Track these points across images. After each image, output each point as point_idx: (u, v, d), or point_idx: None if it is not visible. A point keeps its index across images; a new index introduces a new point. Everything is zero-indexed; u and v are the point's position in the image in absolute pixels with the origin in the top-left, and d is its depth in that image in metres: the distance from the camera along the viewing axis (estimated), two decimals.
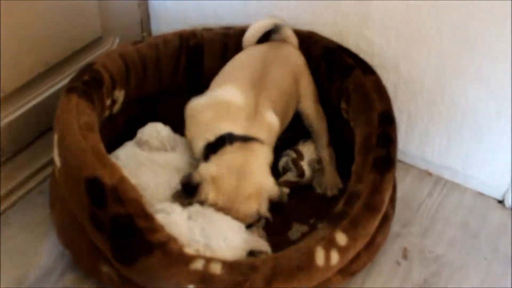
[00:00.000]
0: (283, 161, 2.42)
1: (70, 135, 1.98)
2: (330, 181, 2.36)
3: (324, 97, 2.49)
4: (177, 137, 2.29)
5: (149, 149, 2.20)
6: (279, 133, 2.22)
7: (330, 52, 2.45)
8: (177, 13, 2.85)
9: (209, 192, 1.96)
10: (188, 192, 1.97)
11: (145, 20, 2.90)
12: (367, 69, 2.36)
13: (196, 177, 1.96)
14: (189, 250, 1.91)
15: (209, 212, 1.98)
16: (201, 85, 2.54)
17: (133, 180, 1.89)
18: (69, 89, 2.15)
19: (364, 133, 2.17)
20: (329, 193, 2.35)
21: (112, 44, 2.71)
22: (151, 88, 2.49)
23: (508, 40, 2.20)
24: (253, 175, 1.99)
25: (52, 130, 2.08)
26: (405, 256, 2.27)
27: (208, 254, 1.90)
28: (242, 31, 2.53)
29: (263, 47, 2.41)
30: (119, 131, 2.45)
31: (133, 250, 1.85)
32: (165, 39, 2.47)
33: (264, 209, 1.99)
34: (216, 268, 1.86)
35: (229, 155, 2.00)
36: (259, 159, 2.04)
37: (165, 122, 2.47)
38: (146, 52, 2.42)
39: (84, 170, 1.88)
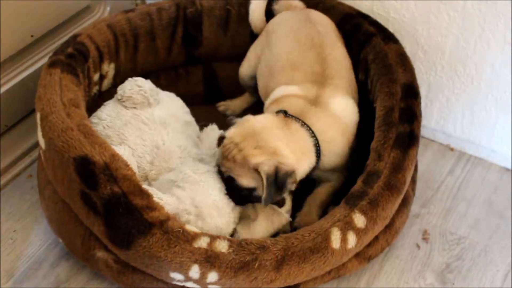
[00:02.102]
0: None
1: (53, 113, 2.00)
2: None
3: None
4: (159, 90, 2.29)
5: (133, 106, 2.19)
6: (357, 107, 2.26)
7: (348, 18, 2.46)
8: None
9: (232, 128, 2.05)
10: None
11: None
12: (388, 37, 2.36)
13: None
14: (190, 227, 1.93)
15: (194, 177, 2.02)
16: (198, 59, 2.58)
17: (120, 142, 1.98)
18: (52, 63, 2.16)
19: (385, 107, 2.19)
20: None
21: (102, 14, 2.72)
22: (145, 63, 2.50)
23: None
24: (284, 140, 2.03)
25: (34, 111, 2.10)
26: (425, 238, 2.29)
27: (199, 224, 1.96)
28: None
29: (294, 25, 2.41)
30: None
31: (130, 230, 1.86)
32: (160, 8, 2.48)
33: (264, 169, 1.98)
34: (223, 247, 1.87)
35: (277, 119, 2.08)
36: (301, 138, 2.07)
37: None
38: (137, 22, 2.44)
39: (72, 149, 1.90)
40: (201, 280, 1.91)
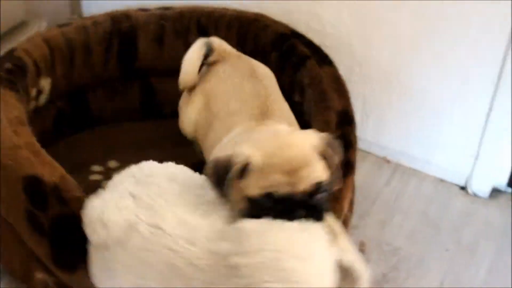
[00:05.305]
0: None
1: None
2: None
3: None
4: None
5: None
6: None
7: (282, 39, 2.57)
8: None
9: (247, 153, 1.69)
10: (220, 175, 1.72)
11: (76, 2, 2.99)
12: (323, 59, 2.47)
13: (223, 155, 1.76)
14: None
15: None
16: (135, 74, 2.66)
17: None
18: None
19: None
20: None
21: (38, 29, 2.76)
22: (80, 77, 2.57)
23: (467, 18, 2.42)
24: (291, 135, 1.81)
25: None
26: (362, 249, 2.45)
27: None
28: (181, 11, 2.65)
29: (237, 81, 2.29)
30: (49, 126, 2.55)
31: (77, 254, 1.87)
32: (95, 21, 2.56)
33: (321, 143, 1.74)
34: None
35: (255, 133, 1.92)
36: (285, 125, 1.98)
37: (98, 116, 2.59)
38: (73, 36, 2.51)
39: (21, 168, 1.95)
40: None
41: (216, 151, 2.03)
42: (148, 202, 1.77)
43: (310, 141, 1.73)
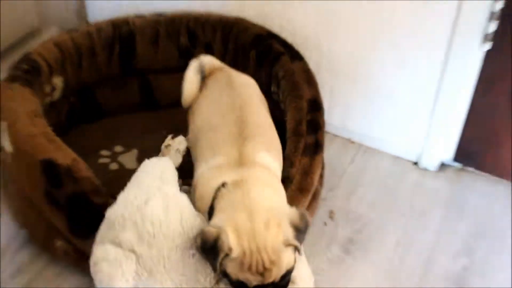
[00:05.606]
0: None
1: (19, 122, 2.11)
2: None
3: (256, 81, 2.47)
4: None
5: None
6: (281, 165, 2.11)
7: (260, 39, 2.61)
8: (111, 2, 3.00)
9: (230, 242, 1.66)
10: (208, 254, 1.71)
11: (81, 9, 2.99)
12: (295, 56, 2.53)
13: (210, 231, 1.70)
14: None
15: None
16: (134, 72, 2.72)
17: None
18: (11, 78, 2.28)
19: (295, 120, 2.30)
20: None
21: (50, 35, 2.80)
22: (88, 76, 2.63)
23: (415, 13, 2.49)
24: (260, 204, 1.75)
25: None
26: (331, 217, 2.55)
27: None
28: (173, 17, 2.70)
29: (216, 92, 2.25)
30: (63, 118, 2.60)
31: (89, 224, 1.91)
32: (99, 28, 2.62)
33: (290, 235, 1.70)
34: None
35: (227, 198, 1.79)
36: (259, 186, 1.82)
37: (104, 109, 2.65)
38: (80, 41, 2.57)
39: (39, 153, 2.02)
40: None
41: (198, 176, 1.98)
42: (149, 265, 1.74)
43: (281, 235, 1.69)
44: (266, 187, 1.85)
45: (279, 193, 1.92)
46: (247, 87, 2.28)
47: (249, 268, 1.67)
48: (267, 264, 1.67)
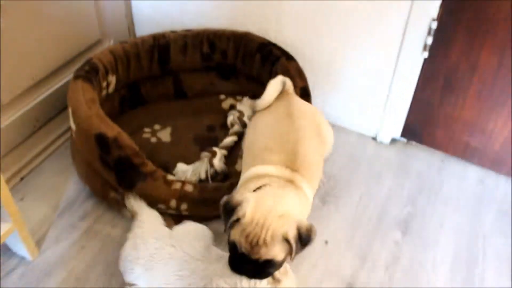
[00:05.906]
0: (230, 118, 2.47)
1: (80, 107, 2.08)
2: None
3: (260, 76, 2.56)
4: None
5: None
6: (315, 191, 1.81)
7: (263, 46, 2.55)
8: (153, 21, 2.92)
9: (247, 210, 1.52)
10: (226, 213, 1.55)
11: (131, 27, 2.96)
12: (289, 57, 2.46)
13: (237, 197, 1.56)
14: (170, 176, 2.02)
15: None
16: (169, 72, 2.64)
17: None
18: (76, 76, 2.24)
19: None
20: None
21: (109, 45, 2.76)
22: (134, 75, 2.55)
23: (373, 30, 2.39)
24: (287, 201, 1.58)
25: (67, 107, 2.18)
26: None
27: None
28: (197, 32, 2.60)
29: (277, 117, 1.90)
30: (116, 106, 2.54)
31: (132, 178, 1.96)
32: (143, 40, 2.54)
33: (292, 234, 1.50)
34: (189, 188, 1.99)
35: (266, 189, 1.61)
36: (292, 198, 1.62)
37: (146, 99, 2.56)
38: (129, 49, 2.49)
39: (93, 129, 1.99)
40: (178, 209, 2.00)
41: (244, 179, 1.76)
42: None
43: (285, 229, 1.50)
44: (298, 200, 1.64)
45: (304, 209, 1.70)
46: (305, 119, 1.90)
47: (247, 236, 1.50)
48: (260, 241, 1.49)
